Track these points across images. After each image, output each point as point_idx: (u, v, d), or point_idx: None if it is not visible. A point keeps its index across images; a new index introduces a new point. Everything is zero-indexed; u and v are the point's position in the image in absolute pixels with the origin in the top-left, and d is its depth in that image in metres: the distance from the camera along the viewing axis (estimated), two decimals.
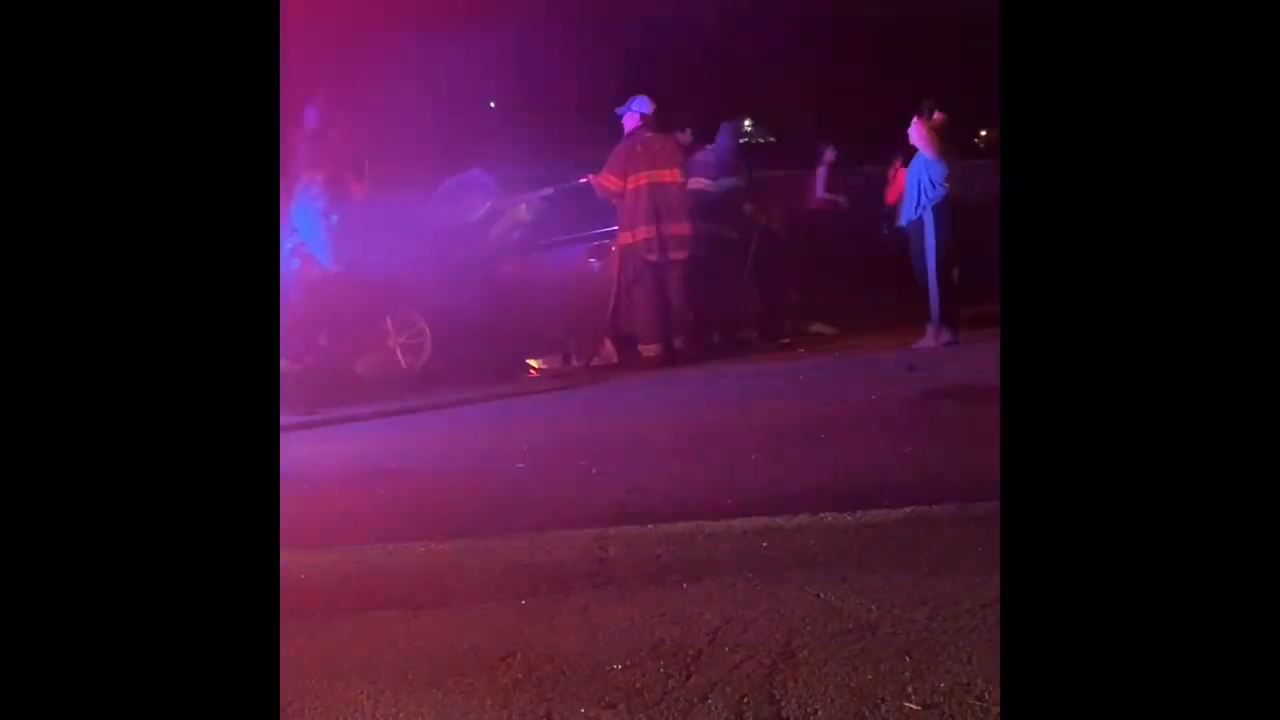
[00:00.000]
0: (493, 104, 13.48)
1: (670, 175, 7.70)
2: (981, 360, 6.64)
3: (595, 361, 8.04)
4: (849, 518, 3.47)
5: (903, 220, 7.80)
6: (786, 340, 8.41)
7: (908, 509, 3.49)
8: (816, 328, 8.73)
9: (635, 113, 7.79)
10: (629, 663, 2.49)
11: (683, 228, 7.70)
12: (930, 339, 7.48)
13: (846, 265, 8.92)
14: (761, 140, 16.13)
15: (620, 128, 7.88)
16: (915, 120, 7.61)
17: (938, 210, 7.49)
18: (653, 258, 7.63)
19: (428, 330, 7.83)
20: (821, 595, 2.80)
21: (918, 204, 7.59)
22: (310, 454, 5.17)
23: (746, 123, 16.13)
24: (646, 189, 7.62)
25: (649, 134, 7.74)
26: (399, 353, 7.84)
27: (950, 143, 7.65)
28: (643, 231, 7.63)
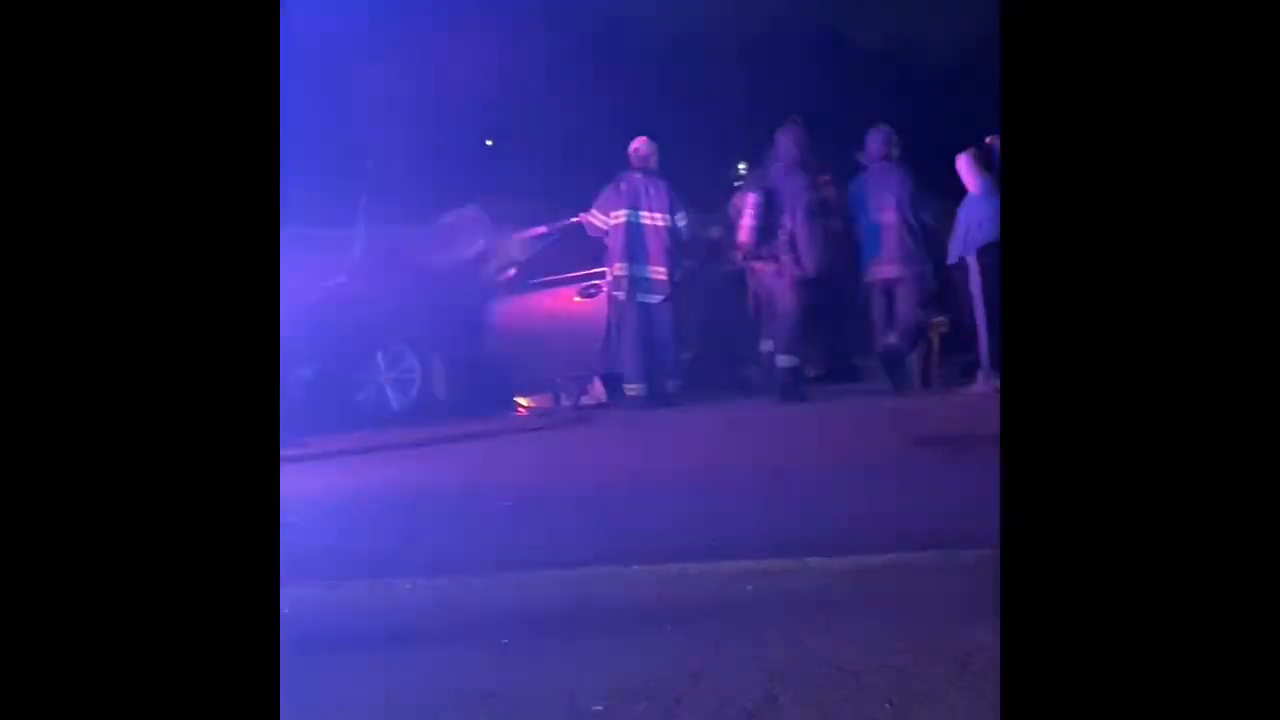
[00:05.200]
0: (490, 142, 13.49)
1: (649, 216, 7.72)
2: (965, 409, 6.66)
3: (584, 400, 8.05)
4: (833, 562, 3.48)
5: (949, 259, 7.40)
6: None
7: (891, 555, 3.50)
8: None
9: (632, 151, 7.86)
10: (610, 704, 2.48)
11: (660, 268, 7.69)
12: (981, 384, 7.09)
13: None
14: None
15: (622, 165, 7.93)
16: (963, 155, 7.23)
17: (984, 253, 7.02)
18: (621, 295, 7.64)
19: (418, 366, 7.83)
20: (804, 639, 2.80)
21: (964, 244, 7.22)
22: (296, 487, 5.15)
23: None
24: (624, 228, 7.66)
25: (635, 173, 7.78)
26: (388, 388, 7.84)
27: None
28: (618, 269, 7.67)
